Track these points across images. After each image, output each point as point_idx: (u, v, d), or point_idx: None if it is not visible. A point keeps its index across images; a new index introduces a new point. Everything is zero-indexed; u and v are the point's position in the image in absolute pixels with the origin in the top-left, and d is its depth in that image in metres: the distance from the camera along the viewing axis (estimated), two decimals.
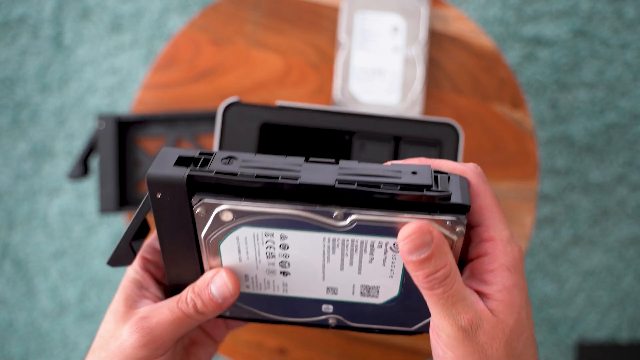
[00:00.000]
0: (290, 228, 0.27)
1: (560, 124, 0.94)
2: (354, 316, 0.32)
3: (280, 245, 0.28)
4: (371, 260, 0.28)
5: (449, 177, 0.27)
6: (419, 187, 0.25)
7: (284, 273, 0.30)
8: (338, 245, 0.27)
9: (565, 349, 0.95)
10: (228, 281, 0.30)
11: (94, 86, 0.96)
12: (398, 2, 0.54)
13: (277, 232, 0.27)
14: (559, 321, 0.95)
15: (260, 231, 0.27)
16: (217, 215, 0.26)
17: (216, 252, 0.29)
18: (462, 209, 0.25)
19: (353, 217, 0.26)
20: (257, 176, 0.25)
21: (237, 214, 0.26)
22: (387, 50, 0.54)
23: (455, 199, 0.25)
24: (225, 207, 0.26)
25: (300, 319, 0.33)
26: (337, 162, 0.27)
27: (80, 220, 0.96)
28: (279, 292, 0.31)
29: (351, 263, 0.29)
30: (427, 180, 0.25)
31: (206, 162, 0.26)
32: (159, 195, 0.26)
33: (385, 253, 0.28)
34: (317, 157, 0.45)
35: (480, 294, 0.27)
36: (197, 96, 0.56)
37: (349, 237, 0.27)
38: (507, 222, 0.29)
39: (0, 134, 0.97)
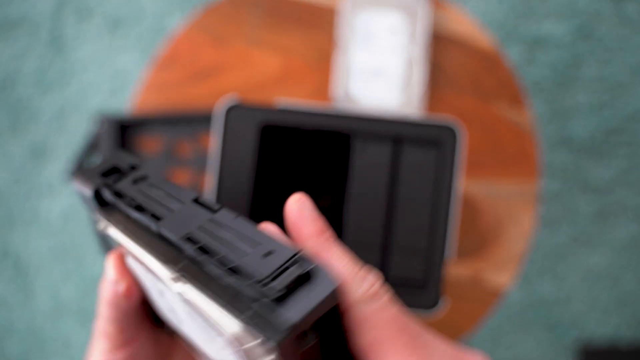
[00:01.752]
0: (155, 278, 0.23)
1: (560, 124, 0.94)
2: None
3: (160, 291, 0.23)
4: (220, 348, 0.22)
5: (309, 272, 0.19)
6: (246, 277, 0.19)
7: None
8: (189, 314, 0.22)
9: (564, 349, 0.95)
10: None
11: (94, 86, 0.96)
12: (398, 3, 0.54)
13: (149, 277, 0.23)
14: (558, 321, 0.95)
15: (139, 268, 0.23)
16: (106, 232, 0.24)
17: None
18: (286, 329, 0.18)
19: (178, 288, 0.21)
20: (136, 207, 0.23)
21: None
22: (387, 50, 0.54)
23: (284, 313, 0.18)
24: (109, 227, 0.24)
25: None
26: (217, 211, 0.22)
27: (81, 220, 0.96)
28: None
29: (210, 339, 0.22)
30: (265, 269, 0.19)
31: (123, 176, 0.25)
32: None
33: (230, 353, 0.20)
34: (317, 156, 0.45)
35: None
36: (197, 96, 0.56)
37: (187, 309, 0.21)
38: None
39: (0, 134, 0.97)
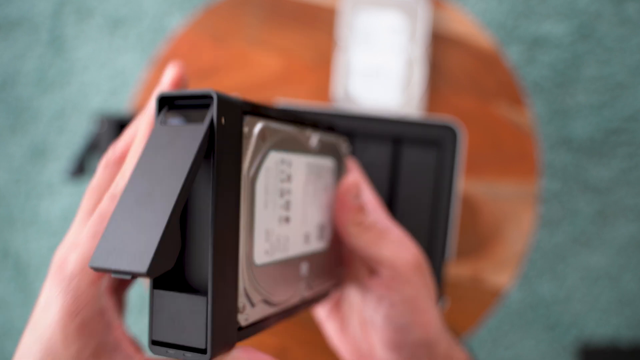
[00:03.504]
0: (293, 151, 0.28)
1: (560, 124, 0.94)
2: (315, 275, 0.30)
3: (287, 177, 0.27)
4: (324, 189, 0.31)
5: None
6: None
7: (287, 219, 0.27)
8: (312, 172, 0.30)
9: (564, 349, 0.95)
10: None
11: (94, 86, 0.96)
12: (398, 3, 0.54)
13: (286, 157, 0.27)
14: (558, 321, 0.95)
15: (279, 157, 0.26)
16: (260, 132, 0.24)
17: (252, 200, 0.24)
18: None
19: (316, 137, 0.30)
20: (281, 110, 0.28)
21: (269, 132, 0.25)
22: (387, 50, 0.54)
23: None
24: (263, 125, 0.25)
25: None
26: None
27: None
28: (284, 253, 0.28)
29: (315, 194, 0.30)
30: None
31: None
32: (223, 120, 0.22)
33: (329, 176, 0.31)
34: None
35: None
36: None
37: (316, 160, 0.30)
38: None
39: (0, 134, 0.97)
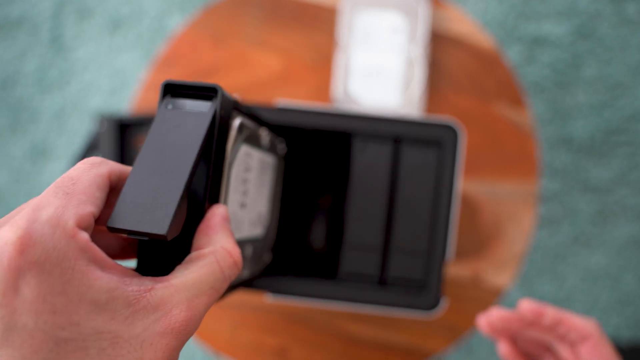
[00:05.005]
0: (253, 145, 0.31)
1: (560, 124, 0.94)
2: (254, 259, 0.34)
3: (247, 168, 0.31)
4: (267, 182, 0.35)
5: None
6: None
7: (243, 205, 0.31)
8: (262, 166, 0.33)
9: None
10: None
11: (94, 86, 0.96)
12: (398, 3, 0.54)
13: (250, 151, 0.31)
14: None
15: (246, 150, 0.30)
16: (239, 126, 0.28)
17: (227, 183, 0.28)
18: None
19: (267, 136, 0.33)
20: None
21: (244, 127, 0.29)
22: (387, 50, 0.54)
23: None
24: (241, 120, 0.28)
25: None
26: None
27: None
28: (238, 234, 0.31)
29: (261, 185, 0.33)
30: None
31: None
32: (222, 112, 0.25)
33: (270, 172, 0.36)
34: (317, 156, 0.45)
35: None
36: None
37: (264, 156, 0.33)
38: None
39: (0, 134, 0.97)
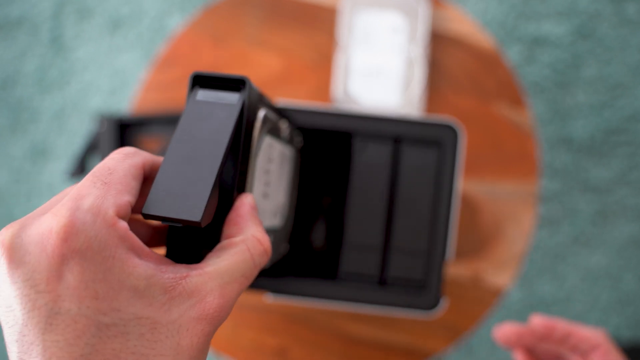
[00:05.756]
0: (275, 137, 0.31)
1: (560, 124, 0.94)
2: (273, 249, 0.34)
3: (270, 159, 0.31)
4: (286, 173, 0.35)
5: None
6: None
7: (265, 195, 0.31)
8: (282, 157, 0.34)
9: None
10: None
11: (94, 86, 0.96)
12: (398, 3, 0.54)
13: (272, 142, 0.31)
14: None
15: (269, 141, 0.30)
16: (263, 117, 0.28)
17: (252, 173, 0.28)
18: None
19: (287, 128, 0.33)
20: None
21: (267, 119, 0.29)
22: (387, 50, 0.54)
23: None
24: (265, 112, 0.29)
25: None
26: None
27: None
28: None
29: (281, 177, 0.34)
30: None
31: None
32: (250, 103, 0.26)
33: (288, 164, 0.36)
34: (317, 156, 0.45)
35: None
36: None
37: (284, 148, 0.34)
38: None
39: (0, 134, 0.97)
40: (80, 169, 0.56)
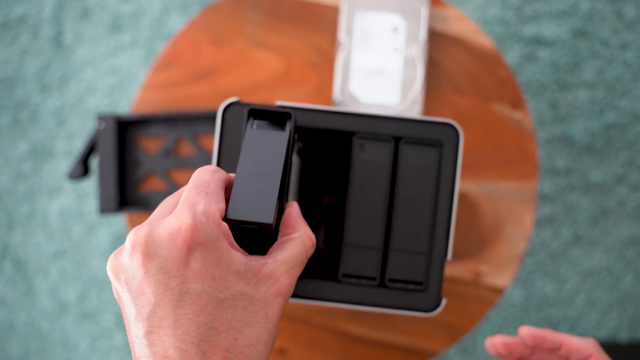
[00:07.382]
0: (295, 151, 0.38)
1: (560, 124, 0.94)
2: None
3: (294, 172, 0.40)
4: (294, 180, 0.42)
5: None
6: None
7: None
8: (294, 167, 0.40)
9: None
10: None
11: (94, 86, 0.96)
12: (398, 2, 0.54)
13: (295, 157, 0.37)
14: (559, 321, 0.95)
15: (295, 158, 0.36)
16: (295, 138, 0.34)
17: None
18: None
19: (298, 142, 0.41)
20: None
21: (296, 139, 0.35)
22: (387, 50, 0.54)
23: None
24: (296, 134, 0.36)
25: None
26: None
27: (80, 220, 0.96)
28: None
29: (293, 181, 0.41)
30: None
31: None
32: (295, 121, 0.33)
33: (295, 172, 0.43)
34: (317, 156, 0.45)
35: None
36: (197, 96, 0.56)
37: (296, 158, 0.41)
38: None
39: (0, 134, 0.97)
40: (82, 170, 0.56)
